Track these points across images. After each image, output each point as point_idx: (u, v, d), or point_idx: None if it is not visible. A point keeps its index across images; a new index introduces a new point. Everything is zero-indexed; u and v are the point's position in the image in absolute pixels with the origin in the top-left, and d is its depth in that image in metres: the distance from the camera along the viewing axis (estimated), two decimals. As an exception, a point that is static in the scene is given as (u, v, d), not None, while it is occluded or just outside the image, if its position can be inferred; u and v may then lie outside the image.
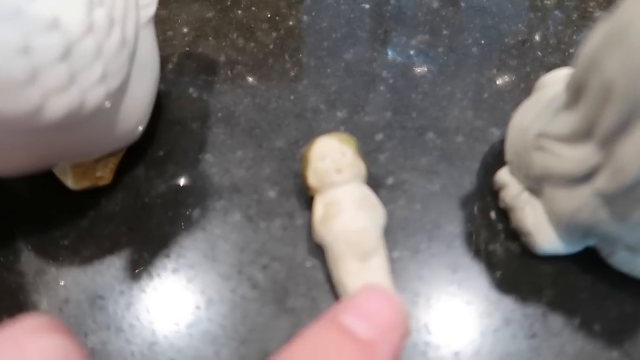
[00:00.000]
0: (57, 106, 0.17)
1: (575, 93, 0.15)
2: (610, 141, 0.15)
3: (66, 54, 0.17)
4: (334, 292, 0.20)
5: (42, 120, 0.17)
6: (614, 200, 0.16)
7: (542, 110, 0.19)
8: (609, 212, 0.16)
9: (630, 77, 0.13)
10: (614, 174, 0.15)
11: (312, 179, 0.20)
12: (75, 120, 0.18)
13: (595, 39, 0.14)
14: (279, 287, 0.20)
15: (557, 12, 0.26)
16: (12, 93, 0.16)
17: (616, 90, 0.13)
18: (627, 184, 0.14)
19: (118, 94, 0.20)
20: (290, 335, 0.19)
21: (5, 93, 0.16)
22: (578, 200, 0.17)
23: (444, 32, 0.28)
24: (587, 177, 0.16)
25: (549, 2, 0.26)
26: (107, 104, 0.19)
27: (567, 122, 0.16)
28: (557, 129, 0.17)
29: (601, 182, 0.16)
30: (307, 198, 0.22)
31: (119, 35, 0.19)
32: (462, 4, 0.29)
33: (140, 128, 0.23)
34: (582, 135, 0.16)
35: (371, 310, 0.14)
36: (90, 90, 0.18)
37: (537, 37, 0.27)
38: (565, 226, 0.19)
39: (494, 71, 0.26)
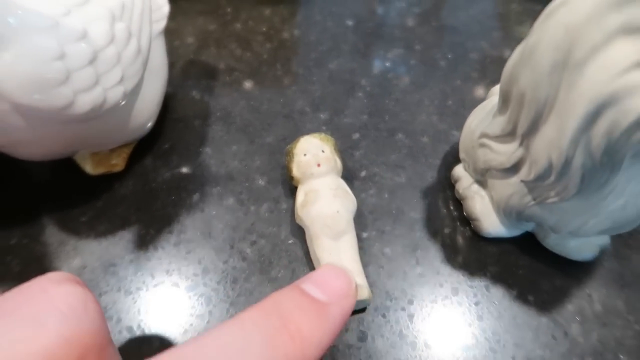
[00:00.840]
0: (85, 102, 0.20)
1: (503, 101, 0.19)
2: (527, 138, 0.18)
3: (93, 59, 0.21)
4: (311, 265, 0.24)
5: (72, 113, 0.20)
6: (534, 187, 0.19)
7: (485, 115, 0.22)
8: (532, 197, 0.20)
9: (534, 88, 0.16)
10: (531, 165, 0.18)
11: (296, 171, 0.24)
12: (97, 114, 0.22)
13: (514, 58, 0.18)
14: (264, 259, 0.24)
15: (515, 33, 0.30)
16: (50, 90, 0.19)
17: (527, 98, 0.17)
18: (540, 172, 0.18)
19: (133, 94, 0.23)
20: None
21: (45, 90, 0.19)
22: (510, 188, 0.21)
23: (417, 47, 0.31)
24: (515, 168, 0.20)
25: (518, 28, 0.30)
26: (123, 102, 0.23)
27: (499, 124, 0.20)
28: (492, 130, 0.20)
29: (524, 172, 0.19)
30: (290, 187, 0.26)
31: (136, 45, 0.23)
32: (434, 23, 0.33)
33: (150, 124, 0.26)
34: (509, 134, 0.19)
35: (327, 282, 0.18)
36: (111, 90, 0.21)
37: (497, 53, 0.31)
38: (503, 211, 0.22)
39: (459, 82, 0.30)
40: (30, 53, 0.19)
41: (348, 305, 0.17)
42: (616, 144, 0.15)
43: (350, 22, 0.33)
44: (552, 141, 0.17)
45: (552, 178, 0.18)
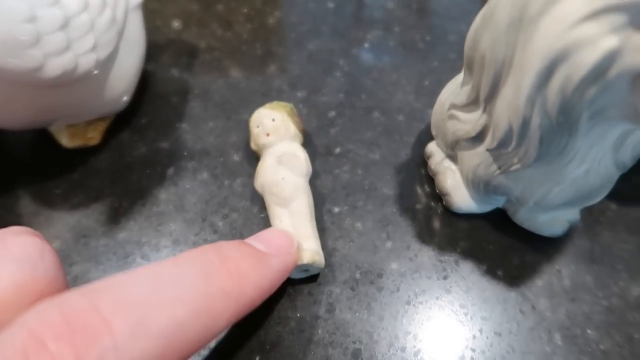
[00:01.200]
0: (55, 66, 0.21)
1: (467, 68, 0.19)
2: (489, 103, 0.18)
3: (64, 25, 0.21)
4: (281, 237, 0.24)
5: (42, 77, 0.20)
6: (498, 155, 0.19)
7: (455, 87, 0.22)
8: (497, 166, 0.20)
9: (493, 49, 0.17)
10: (493, 131, 0.19)
11: (252, 144, 0.24)
12: (70, 81, 0.22)
13: (476, 22, 0.18)
14: (236, 232, 0.24)
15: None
16: (20, 52, 0.19)
17: (486, 60, 0.17)
18: (502, 137, 0.18)
19: (106, 64, 0.24)
20: (241, 270, 0.23)
21: (15, 52, 0.19)
22: (477, 158, 0.21)
23: (396, 29, 0.32)
24: (480, 137, 0.20)
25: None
26: (96, 71, 0.23)
27: (465, 92, 0.20)
28: (459, 100, 0.20)
29: (488, 140, 0.19)
30: (265, 161, 0.26)
31: (110, 15, 0.23)
32: (414, 6, 0.33)
33: (126, 98, 0.26)
34: (473, 102, 0.19)
35: (269, 239, 0.19)
36: (82, 57, 0.22)
37: (475, 36, 0.31)
38: (471, 182, 0.22)
39: (436, 63, 0.30)
40: (1, 15, 0.19)
41: (288, 260, 0.19)
42: (570, 101, 0.15)
43: (331, 4, 0.33)
44: (510, 102, 0.17)
45: (513, 143, 0.18)
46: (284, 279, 0.19)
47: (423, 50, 0.31)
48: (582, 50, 0.14)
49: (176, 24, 0.32)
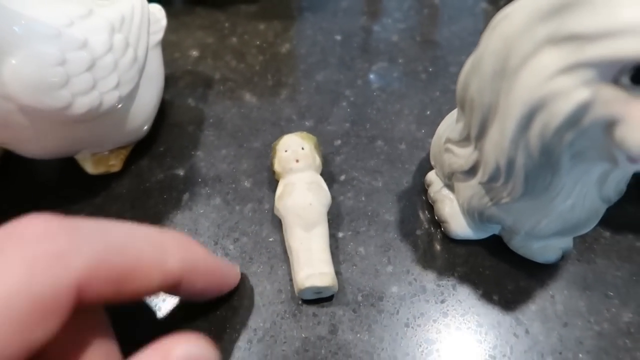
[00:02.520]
0: (82, 104, 0.23)
1: (460, 107, 0.21)
2: (479, 141, 0.20)
3: (91, 66, 0.23)
4: (287, 260, 0.25)
5: (70, 114, 0.22)
6: (489, 188, 0.21)
7: (451, 122, 0.24)
8: (490, 198, 0.21)
9: (481, 94, 0.18)
10: (484, 167, 0.20)
11: (277, 166, 0.26)
12: (95, 116, 0.24)
13: (466, 67, 0.19)
14: (246, 255, 0.26)
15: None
16: (51, 93, 0.21)
17: (475, 104, 0.19)
18: (491, 173, 0.19)
19: (128, 99, 0.26)
20: (253, 291, 0.24)
21: (46, 93, 0.21)
22: (471, 190, 0.22)
23: (400, 60, 0.33)
24: (473, 171, 0.21)
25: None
26: (119, 106, 0.25)
27: (458, 129, 0.21)
28: (453, 135, 0.22)
29: (479, 174, 0.21)
30: (274, 187, 0.27)
31: (132, 54, 0.25)
32: (418, 39, 0.34)
33: (146, 127, 0.28)
34: (465, 138, 0.21)
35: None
36: (107, 94, 0.24)
37: (475, 67, 0.32)
38: (467, 212, 0.23)
39: (437, 93, 0.31)
40: (34, 58, 0.21)
41: None
42: (550, 144, 0.16)
43: (338, 37, 0.35)
44: (496, 143, 0.18)
45: (502, 179, 0.19)
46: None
47: (425, 81, 0.32)
48: (557, 101, 0.15)
49: (193, 55, 0.34)
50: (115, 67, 0.24)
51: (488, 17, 0.36)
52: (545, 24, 0.15)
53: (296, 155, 0.25)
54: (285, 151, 0.25)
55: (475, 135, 0.19)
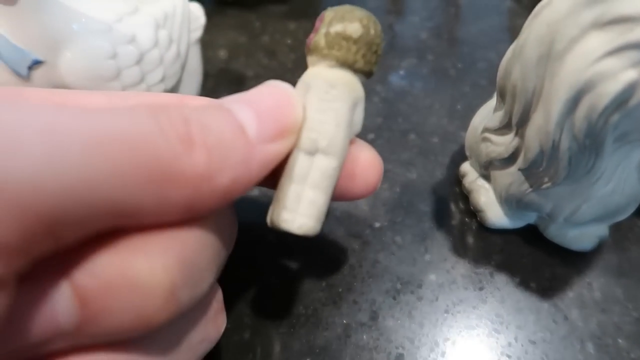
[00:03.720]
0: (131, 96, 0.24)
1: (500, 96, 0.21)
2: (520, 128, 0.20)
3: (139, 60, 0.24)
4: (325, 253, 0.26)
5: (120, 106, 0.23)
6: (529, 174, 0.21)
7: (487, 113, 0.24)
8: (529, 184, 0.22)
9: (524, 81, 0.19)
10: (525, 153, 0.20)
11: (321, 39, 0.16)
12: (141, 109, 0.25)
13: (507, 56, 0.20)
14: (284, 250, 0.26)
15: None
16: (103, 84, 0.22)
17: (518, 90, 0.19)
18: (533, 158, 0.20)
19: (172, 92, 0.27)
20: (293, 278, 0.25)
21: (99, 84, 0.22)
22: (510, 177, 0.23)
23: (429, 57, 0.34)
24: (512, 158, 0.22)
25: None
26: (164, 100, 0.26)
27: (497, 117, 0.22)
28: (492, 124, 0.22)
29: (520, 161, 0.21)
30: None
31: (175, 50, 0.26)
32: (445, 36, 0.35)
33: (185, 122, 0.29)
34: (506, 126, 0.21)
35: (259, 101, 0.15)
36: (153, 87, 0.25)
37: (504, 63, 0.33)
38: (505, 200, 0.24)
39: (467, 89, 0.32)
40: (89, 52, 0.22)
41: (280, 148, 0.14)
42: (595, 126, 0.17)
43: (368, 36, 0.36)
44: (540, 127, 0.19)
45: (544, 164, 0.20)
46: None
47: (454, 77, 0.33)
48: (604, 82, 0.16)
49: (225, 54, 0.35)
50: (160, 61, 0.25)
51: (513, 14, 0.37)
52: (590, 8, 0.16)
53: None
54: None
55: (517, 121, 0.20)
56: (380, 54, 0.17)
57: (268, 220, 0.15)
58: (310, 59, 0.17)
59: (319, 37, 0.16)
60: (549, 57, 0.17)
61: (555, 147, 0.18)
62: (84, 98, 0.16)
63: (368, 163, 0.17)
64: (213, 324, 0.17)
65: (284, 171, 0.15)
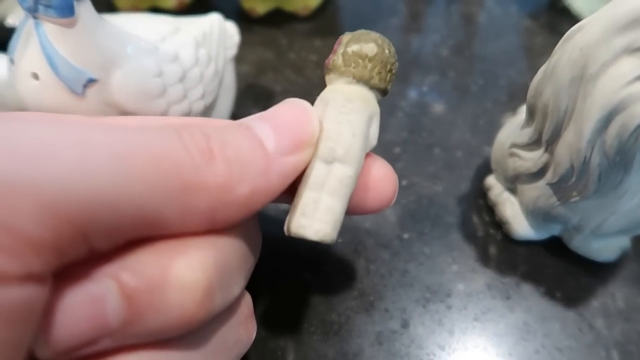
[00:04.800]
0: (175, 111, 0.25)
1: (530, 113, 0.22)
2: (550, 145, 0.21)
3: (183, 77, 0.25)
4: (355, 261, 0.27)
5: (165, 121, 0.25)
6: (558, 188, 0.22)
7: (514, 129, 0.25)
8: (557, 198, 0.23)
9: (556, 99, 0.20)
10: (555, 168, 0.21)
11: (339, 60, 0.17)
12: (182, 124, 0.26)
13: (538, 76, 0.21)
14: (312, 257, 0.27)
15: (540, 62, 0.33)
16: (150, 101, 0.23)
17: (549, 109, 0.20)
18: (563, 173, 0.21)
19: (210, 108, 0.28)
20: (327, 288, 0.26)
21: (146, 101, 0.23)
22: (537, 191, 0.24)
23: (450, 74, 0.35)
24: (541, 173, 0.23)
25: (542, 58, 0.34)
26: (203, 114, 0.27)
27: (527, 134, 0.23)
28: (521, 140, 0.24)
29: (549, 175, 0.22)
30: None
31: (214, 67, 0.27)
32: (466, 53, 0.36)
33: (218, 136, 0.30)
34: (535, 142, 0.22)
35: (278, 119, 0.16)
36: (195, 103, 0.26)
37: (523, 80, 0.34)
38: (531, 213, 0.25)
39: (489, 104, 0.33)
40: (138, 71, 0.23)
41: (297, 161, 0.15)
42: (626, 145, 0.18)
43: (391, 53, 0.37)
44: (572, 145, 0.20)
45: (574, 179, 0.21)
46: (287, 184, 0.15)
47: (476, 93, 0.34)
48: (636, 103, 0.17)
49: (254, 70, 0.36)
50: (201, 78, 0.26)
51: (530, 33, 0.38)
52: (622, 35, 0.17)
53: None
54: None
55: (548, 138, 0.21)
56: (394, 73, 0.18)
57: (285, 228, 0.16)
58: (328, 78, 0.18)
59: (337, 57, 0.17)
60: (582, 79, 0.18)
61: (585, 163, 0.19)
62: (117, 120, 0.17)
63: (383, 176, 0.17)
64: (244, 328, 0.18)
65: (302, 181, 0.16)
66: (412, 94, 0.34)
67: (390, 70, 0.17)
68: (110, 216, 0.11)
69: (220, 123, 0.16)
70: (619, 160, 0.19)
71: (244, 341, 0.18)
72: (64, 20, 0.20)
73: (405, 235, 0.28)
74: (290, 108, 0.16)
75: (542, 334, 0.24)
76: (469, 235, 0.28)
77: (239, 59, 0.37)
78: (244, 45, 0.38)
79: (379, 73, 0.17)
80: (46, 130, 0.12)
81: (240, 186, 0.13)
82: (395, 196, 0.18)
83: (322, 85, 0.35)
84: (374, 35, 0.17)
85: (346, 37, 0.17)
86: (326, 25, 0.39)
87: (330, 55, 0.18)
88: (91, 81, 0.22)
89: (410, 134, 0.32)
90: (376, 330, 0.24)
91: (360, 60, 0.17)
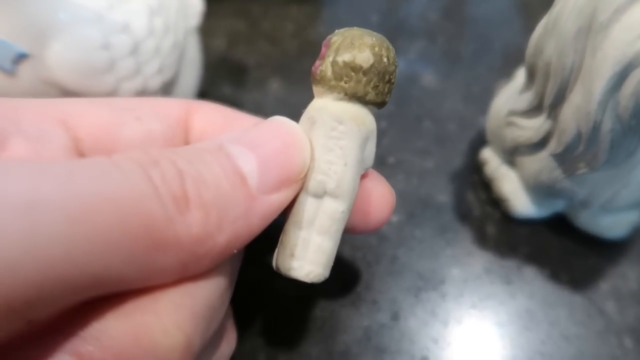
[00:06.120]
0: (127, 89, 0.22)
1: (529, 75, 0.20)
2: (554, 109, 0.19)
3: (134, 50, 0.22)
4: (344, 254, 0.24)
5: (115, 100, 0.22)
6: (563, 159, 0.20)
7: (511, 95, 0.23)
8: (562, 171, 0.20)
9: (560, 56, 0.17)
10: (559, 137, 0.19)
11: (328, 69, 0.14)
12: (138, 103, 0.23)
13: (538, 31, 0.18)
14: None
15: (537, 22, 0.30)
16: (96, 78, 0.21)
17: (552, 68, 0.18)
18: (569, 142, 0.18)
19: (170, 84, 0.25)
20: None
21: (91, 78, 0.21)
22: (539, 163, 0.21)
23: (440, 39, 0.32)
24: (543, 142, 0.20)
25: (540, 17, 0.31)
26: (161, 92, 0.24)
27: (526, 99, 0.20)
28: (519, 106, 0.21)
29: (552, 145, 0.20)
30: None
31: (172, 39, 0.24)
32: (457, 16, 0.33)
33: (185, 116, 0.28)
34: (536, 108, 0.20)
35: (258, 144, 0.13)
36: (150, 79, 0.23)
37: (520, 42, 0.31)
38: (533, 188, 0.22)
39: (482, 70, 0.30)
40: (78, 43, 0.20)
41: (282, 198, 0.13)
42: (644, 105, 0.15)
43: (374, 18, 0.34)
44: (579, 108, 0.17)
45: (581, 147, 0.18)
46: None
47: (468, 59, 0.31)
48: (657, 55, 0.14)
49: (225, 43, 0.33)
50: (157, 51, 0.23)
51: (526, -9, 0.35)
52: (639, -28, 0.14)
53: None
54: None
55: (551, 102, 0.18)
56: (394, 82, 0.15)
57: (274, 265, 0.15)
58: (316, 89, 0.15)
59: (325, 66, 0.14)
60: (590, 29, 0.16)
61: (596, 128, 0.17)
62: (85, 113, 0.14)
63: (380, 199, 0.16)
64: (226, 342, 0.16)
65: (289, 214, 0.14)
66: (399, 62, 0.31)
67: (389, 81, 0.15)
68: (59, 289, 0.10)
69: (193, 145, 0.13)
70: (634, 125, 0.16)
71: (226, 354, 0.16)
72: (-19, -15, 0.17)
73: (394, 218, 0.25)
74: (278, 133, 0.13)
75: (548, 321, 0.22)
76: (464, 216, 0.25)
77: (208, 31, 0.34)
78: (213, 16, 0.35)
79: (376, 87, 0.14)
80: None
81: (217, 235, 0.12)
82: (392, 213, 0.17)
83: (300, 57, 0.32)
84: (369, 38, 0.14)
85: (336, 39, 0.14)
86: (303, -10, 0.36)
87: (317, 62, 0.15)
88: (22, 56, 0.19)
89: (397, 106, 0.29)
90: (363, 324, 0.22)
91: (353, 74, 0.14)
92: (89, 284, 0.10)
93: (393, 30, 0.33)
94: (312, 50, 0.32)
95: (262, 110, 0.30)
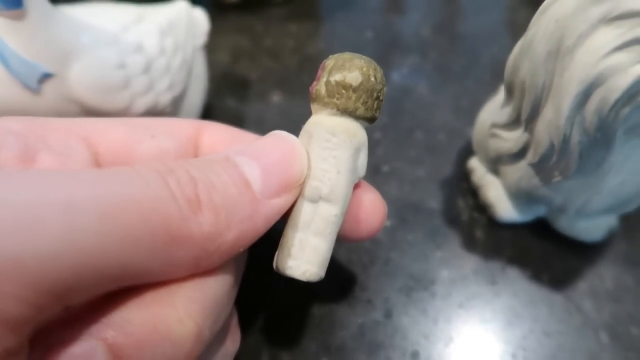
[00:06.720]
0: (140, 104, 0.24)
1: (508, 92, 0.21)
2: (530, 123, 0.20)
3: (147, 68, 0.24)
4: (338, 255, 0.26)
5: (130, 115, 0.24)
6: (540, 168, 0.21)
7: (494, 108, 0.24)
8: (539, 179, 0.22)
9: (533, 76, 0.19)
10: (535, 148, 0.21)
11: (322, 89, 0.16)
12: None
13: (515, 51, 0.20)
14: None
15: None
16: (112, 95, 0.23)
17: (527, 86, 0.19)
18: (543, 153, 0.20)
19: (179, 99, 0.27)
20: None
21: (108, 94, 0.22)
22: (519, 172, 0.23)
23: (432, 54, 0.34)
24: (522, 153, 0.22)
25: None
26: (171, 106, 0.26)
27: (506, 113, 0.22)
28: (500, 119, 0.23)
29: (530, 156, 0.21)
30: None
31: (181, 57, 0.26)
32: (448, 32, 0.35)
33: (192, 128, 0.29)
34: (515, 121, 0.22)
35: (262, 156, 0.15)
36: (161, 95, 0.25)
37: (507, 57, 0.33)
38: (515, 194, 0.24)
39: (471, 84, 0.32)
40: (97, 63, 0.22)
41: (282, 203, 0.15)
42: (606, 120, 0.17)
43: (369, 34, 0.36)
44: (551, 122, 0.19)
45: (555, 158, 0.20)
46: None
47: (458, 73, 0.33)
48: (615, 76, 0.16)
49: (228, 58, 0.35)
50: (167, 69, 0.25)
51: (513, 8, 0.37)
52: (598, 4, 0.16)
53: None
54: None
55: (526, 117, 0.20)
56: (382, 100, 0.17)
57: (274, 265, 0.16)
58: (313, 107, 0.17)
59: (320, 86, 0.16)
60: (559, 52, 0.17)
61: (566, 141, 0.19)
62: (105, 131, 0.16)
63: (372, 207, 0.18)
64: (231, 340, 0.18)
65: (288, 218, 0.16)
66: (392, 76, 0.33)
67: (377, 98, 0.17)
68: (93, 278, 0.11)
69: (204, 157, 0.15)
70: (600, 137, 0.18)
71: (231, 351, 0.18)
72: (12, 13, 0.19)
73: (388, 223, 0.27)
74: (278, 145, 0.15)
75: (530, 318, 0.23)
76: (453, 220, 0.27)
77: (212, 48, 0.36)
78: (217, 32, 0.37)
79: (365, 103, 0.16)
80: (30, 190, 0.11)
81: (226, 233, 0.13)
82: (384, 223, 0.18)
83: (300, 72, 0.34)
84: (359, 61, 0.16)
85: (330, 62, 0.16)
86: (303, 9, 0.38)
87: (314, 83, 0.17)
88: (47, 76, 0.21)
89: (391, 118, 0.31)
90: (359, 321, 0.24)
91: (343, 91, 0.16)
92: (118, 274, 0.12)
93: (387, 45, 0.35)
94: (312, 65, 0.34)
95: (264, 122, 0.32)
